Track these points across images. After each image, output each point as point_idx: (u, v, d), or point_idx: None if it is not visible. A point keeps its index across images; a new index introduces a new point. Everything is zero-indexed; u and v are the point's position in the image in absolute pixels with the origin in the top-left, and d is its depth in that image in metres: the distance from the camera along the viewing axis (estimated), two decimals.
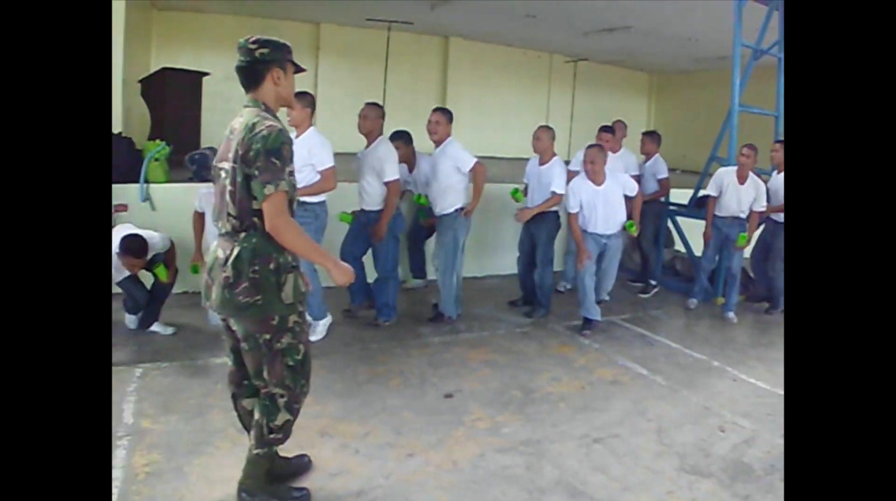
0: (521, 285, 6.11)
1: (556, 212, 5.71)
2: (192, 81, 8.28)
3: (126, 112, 7.68)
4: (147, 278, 5.01)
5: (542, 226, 5.69)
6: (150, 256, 4.80)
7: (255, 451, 2.81)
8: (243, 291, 2.55)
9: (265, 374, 2.70)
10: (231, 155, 2.56)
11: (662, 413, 4.00)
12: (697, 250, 6.77)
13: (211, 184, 4.58)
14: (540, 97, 14.42)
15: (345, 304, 5.56)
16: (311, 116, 4.74)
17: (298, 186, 4.36)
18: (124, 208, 5.54)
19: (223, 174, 2.63)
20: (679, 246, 7.41)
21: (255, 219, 2.55)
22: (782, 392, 4.21)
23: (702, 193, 6.89)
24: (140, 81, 8.18)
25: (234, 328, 2.69)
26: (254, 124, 2.52)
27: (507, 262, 6.96)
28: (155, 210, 5.74)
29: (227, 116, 4.70)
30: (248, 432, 2.92)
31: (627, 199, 5.56)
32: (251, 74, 2.65)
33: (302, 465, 3.13)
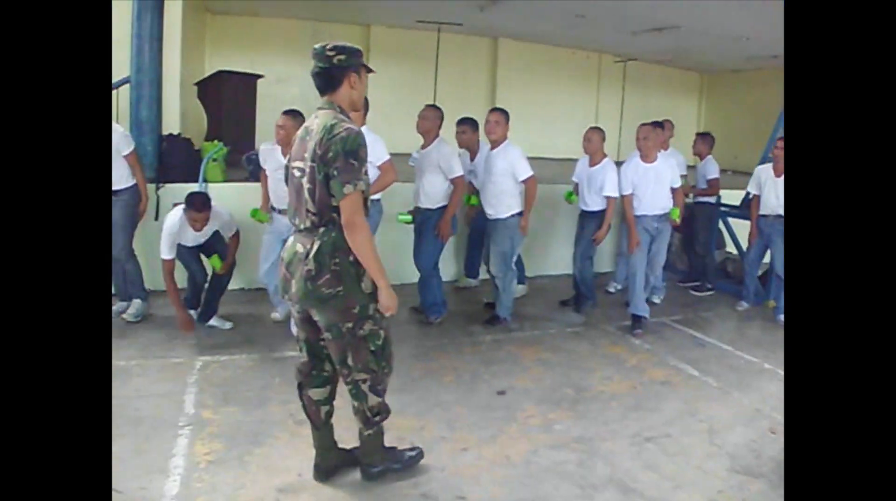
0: (574, 284, 6.15)
1: (603, 211, 5.74)
2: (246, 84, 8.46)
3: (183, 114, 7.92)
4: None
5: (590, 224, 5.77)
6: (214, 226, 5.05)
7: (365, 432, 3.04)
8: (326, 282, 2.71)
9: (350, 360, 2.85)
10: (308, 155, 2.71)
11: (713, 414, 4.01)
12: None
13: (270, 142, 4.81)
14: (589, 98, 14.35)
15: (412, 301, 5.68)
16: (363, 117, 4.86)
17: None
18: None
19: (297, 173, 2.79)
20: (730, 248, 7.36)
21: (334, 215, 2.70)
22: None
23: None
24: (196, 84, 8.40)
25: (316, 318, 2.83)
26: (332, 126, 2.66)
27: (557, 262, 7.01)
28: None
29: (279, 117, 4.91)
30: (311, 421, 3.07)
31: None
32: (329, 78, 2.80)
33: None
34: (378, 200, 5.02)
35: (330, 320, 2.78)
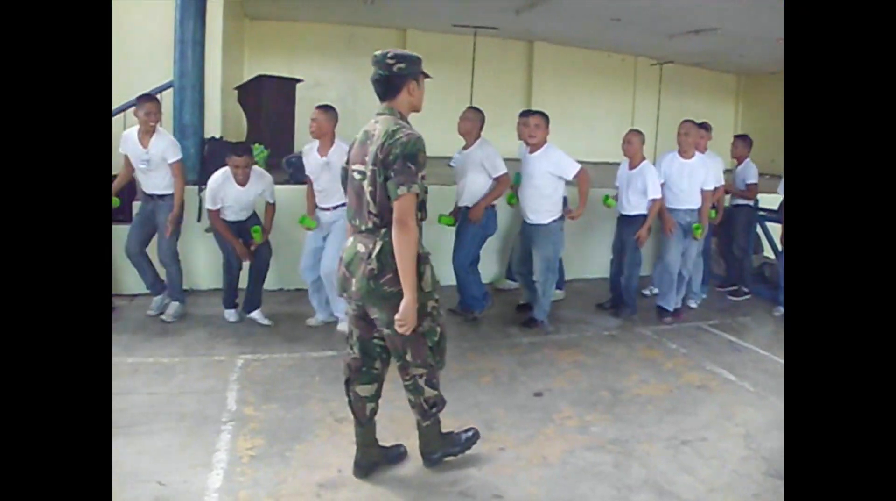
0: (611, 288, 6.16)
1: (645, 216, 5.73)
2: (285, 87, 8.57)
3: (224, 117, 8.06)
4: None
5: (633, 228, 5.75)
6: (258, 186, 5.26)
7: (423, 424, 3.17)
8: (388, 281, 2.81)
9: (409, 356, 2.95)
10: (369, 159, 2.80)
11: (750, 419, 4.00)
12: None
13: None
14: (625, 101, 14.28)
15: (451, 303, 5.73)
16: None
17: None
18: None
19: (357, 176, 2.89)
20: (768, 252, 7.30)
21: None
22: None
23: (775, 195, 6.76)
24: (237, 88, 8.54)
25: (375, 316, 2.91)
26: (394, 131, 2.76)
27: (593, 265, 7.00)
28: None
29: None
30: (355, 416, 3.14)
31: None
32: (388, 85, 2.90)
33: (399, 454, 3.31)
34: None
35: (390, 317, 2.84)
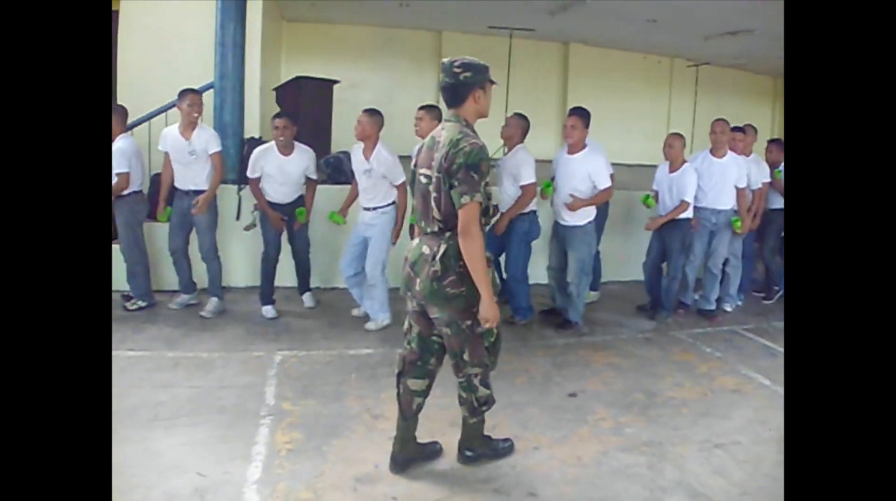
0: (647, 291, 6.14)
1: (689, 219, 5.73)
2: (323, 89, 8.63)
3: (263, 118, 8.17)
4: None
5: (675, 234, 5.74)
6: (302, 160, 5.49)
7: (470, 421, 3.24)
8: (451, 283, 2.89)
9: (466, 355, 3.02)
10: (435, 164, 2.88)
11: (784, 424, 3.97)
12: None
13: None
14: (661, 103, 14.20)
15: None
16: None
17: None
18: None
19: (424, 180, 2.97)
20: None
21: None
22: None
23: None
24: (275, 89, 8.64)
25: (436, 316, 2.99)
26: (458, 140, 2.82)
27: (629, 268, 6.97)
28: None
29: (353, 122, 5.12)
30: (401, 409, 3.22)
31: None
32: (455, 93, 2.96)
33: (434, 451, 3.36)
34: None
35: (451, 317, 2.95)
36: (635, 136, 12.14)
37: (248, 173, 5.44)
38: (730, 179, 5.70)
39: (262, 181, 5.45)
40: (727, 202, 5.75)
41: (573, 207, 5.28)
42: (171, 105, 5.83)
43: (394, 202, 5.27)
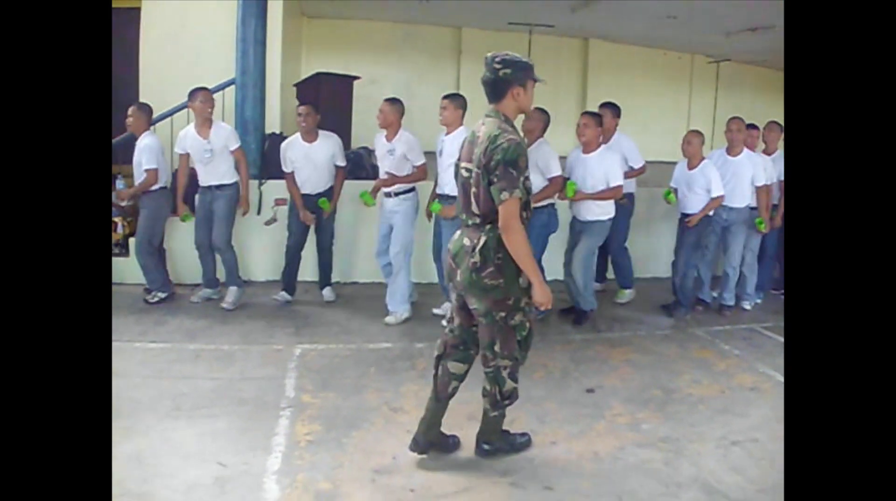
0: (673, 289, 6.08)
1: (710, 217, 5.71)
2: (343, 85, 8.67)
3: (283, 114, 8.23)
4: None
5: (690, 230, 5.73)
6: (328, 147, 5.62)
7: (491, 414, 3.25)
8: (489, 274, 2.96)
9: (497, 347, 3.07)
10: (474, 159, 2.94)
11: None
12: None
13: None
14: (681, 99, 14.08)
15: None
16: (461, 117, 5.04)
17: (448, 180, 4.78)
18: (284, 201, 5.99)
19: (465, 173, 3.04)
20: None
21: (497, 215, 2.91)
22: None
23: None
24: (295, 85, 8.69)
25: (474, 306, 3.06)
26: (496, 136, 2.87)
27: (649, 265, 6.95)
28: None
29: (372, 118, 5.21)
30: (436, 391, 3.28)
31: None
32: (494, 89, 3.01)
33: (453, 444, 3.40)
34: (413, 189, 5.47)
35: (487, 307, 3.01)
36: (655, 132, 12.01)
37: (283, 168, 5.60)
38: (745, 178, 5.70)
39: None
40: (741, 201, 5.74)
41: (577, 200, 5.37)
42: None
43: (415, 188, 5.41)
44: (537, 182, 5.33)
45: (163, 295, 5.62)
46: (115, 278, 6.06)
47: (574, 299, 5.66)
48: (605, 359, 4.80)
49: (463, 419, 3.55)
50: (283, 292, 5.76)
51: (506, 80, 2.96)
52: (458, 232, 3.17)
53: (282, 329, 5.14)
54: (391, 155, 5.29)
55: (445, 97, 5.19)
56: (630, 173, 5.70)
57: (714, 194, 5.55)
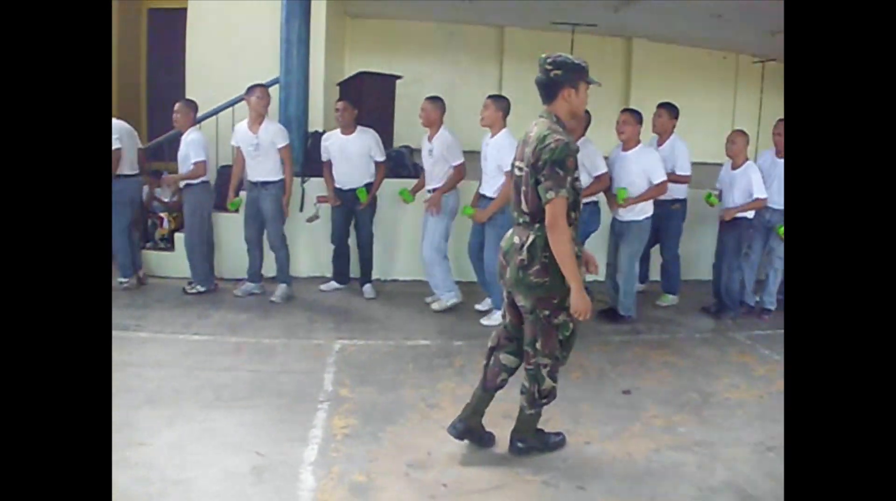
0: (714, 292, 6.04)
1: (750, 220, 5.65)
2: (386, 84, 8.72)
3: (326, 112, 8.33)
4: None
5: (731, 232, 5.67)
6: (365, 141, 5.76)
7: (527, 411, 3.28)
8: (535, 272, 3.01)
9: (538, 344, 3.11)
10: (525, 159, 3.00)
11: None
12: None
13: None
14: (726, 99, 13.89)
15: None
16: (503, 119, 5.05)
17: (491, 182, 4.80)
18: (326, 199, 6.07)
19: (517, 172, 3.11)
20: None
21: (545, 214, 2.95)
22: None
23: None
24: (339, 84, 8.78)
25: (521, 303, 3.12)
26: (545, 137, 2.92)
27: (690, 268, 6.87)
28: None
29: (415, 117, 5.37)
30: (485, 380, 3.34)
31: None
32: (546, 90, 3.06)
33: (489, 439, 3.42)
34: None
35: (532, 305, 3.07)
36: (699, 133, 11.82)
37: (322, 158, 5.84)
38: None
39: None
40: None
41: (627, 205, 5.32)
42: (238, 100, 6.04)
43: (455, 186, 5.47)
44: (584, 181, 5.35)
45: (202, 289, 5.77)
46: (160, 272, 6.24)
47: (614, 302, 5.64)
48: (642, 361, 4.78)
49: (498, 417, 3.56)
50: (333, 282, 5.97)
51: (557, 81, 2.99)
52: (511, 230, 3.22)
53: (322, 324, 5.23)
54: (430, 155, 5.41)
55: (489, 97, 5.20)
56: (672, 176, 5.64)
57: (755, 196, 5.47)
